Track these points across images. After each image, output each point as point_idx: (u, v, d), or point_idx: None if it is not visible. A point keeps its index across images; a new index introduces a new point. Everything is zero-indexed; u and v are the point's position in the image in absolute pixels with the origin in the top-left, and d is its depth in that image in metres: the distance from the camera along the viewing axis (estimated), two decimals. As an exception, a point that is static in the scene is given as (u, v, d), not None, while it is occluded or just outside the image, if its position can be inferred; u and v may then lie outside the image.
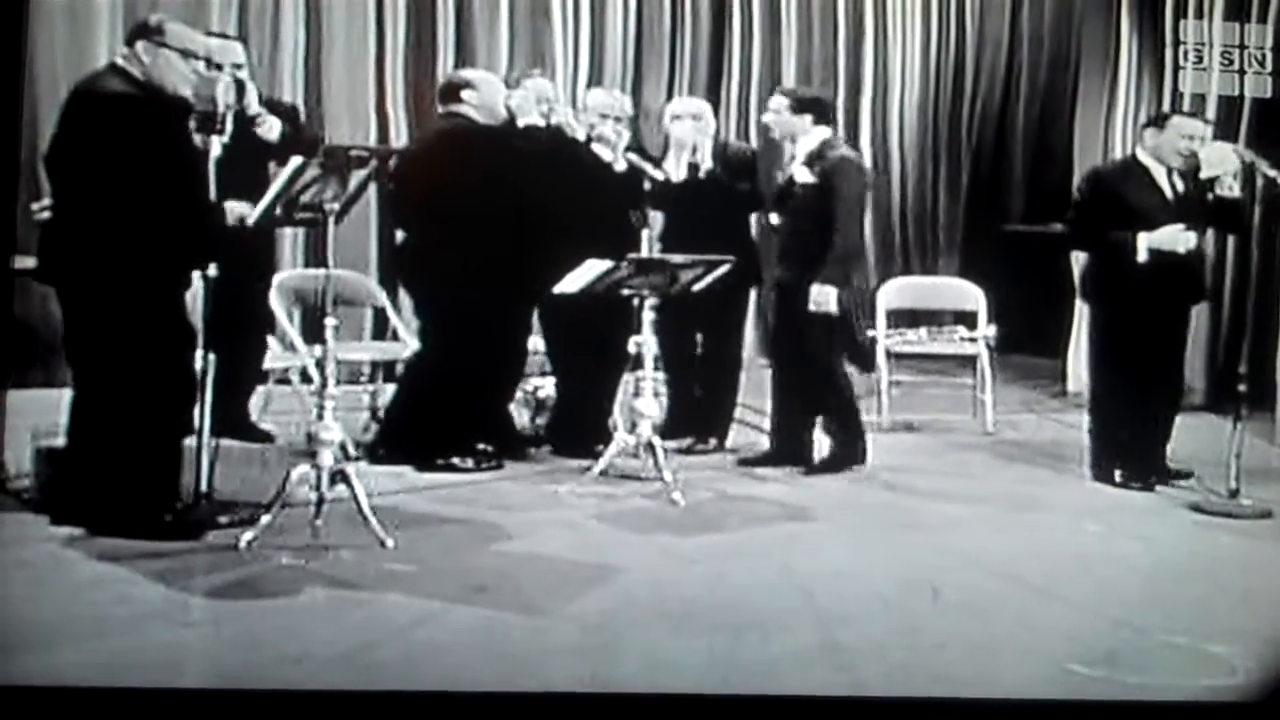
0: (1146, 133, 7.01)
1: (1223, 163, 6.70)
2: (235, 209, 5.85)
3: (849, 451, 7.04)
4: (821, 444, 7.09)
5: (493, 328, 6.79)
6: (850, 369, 7.16)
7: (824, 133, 7.04)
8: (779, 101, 7.13)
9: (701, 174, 7.22)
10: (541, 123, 7.00)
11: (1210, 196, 6.73)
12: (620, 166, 7.09)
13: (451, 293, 6.70)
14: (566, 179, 6.95)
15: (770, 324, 7.50)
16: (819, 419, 7.08)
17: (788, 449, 7.09)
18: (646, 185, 7.08)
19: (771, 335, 7.46)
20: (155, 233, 5.50)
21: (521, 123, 6.95)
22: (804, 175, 6.96)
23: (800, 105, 7.06)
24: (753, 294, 7.67)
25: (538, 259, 6.76)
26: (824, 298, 6.85)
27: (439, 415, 6.76)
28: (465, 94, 6.92)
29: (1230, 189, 6.70)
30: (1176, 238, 6.70)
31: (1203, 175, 6.70)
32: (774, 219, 7.14)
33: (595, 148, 7.10)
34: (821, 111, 7.11)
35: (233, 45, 6.72)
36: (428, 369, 6.86)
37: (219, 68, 6.18)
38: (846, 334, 7.04)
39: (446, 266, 6.69)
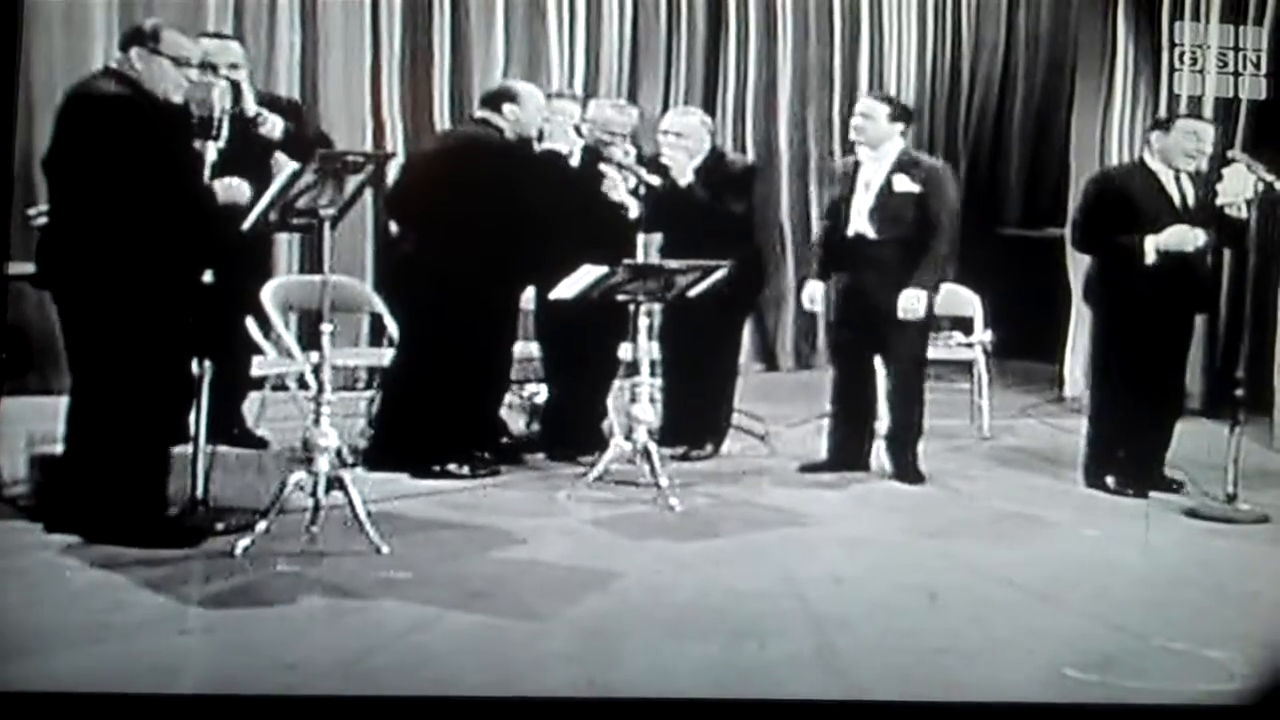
0: (1153, 136, 6.98)
1: (1241, 190, 6.67)
2: (226, 188, 5.79)
3: (905, 466, 7.03)
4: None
5: (484, 334, 6.78)
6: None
7: (903, 141, 7.00)
8: (875, 108, 7.02)
9: (681, 186, 7.16)
10: (566, 149, 7.01)
11: (1217, 207, 6.72)
12: (631, 184, 7.08)
13: (444, 298, 6.68)
14: (574, 201, 6.94)
15: (835, 330, 7.25)
16: (882, 427, 7.07)
17: (849, 455, 7.08)
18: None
19: (837, 341, 7.27)
20: (151, 236, 5.48)
21: (546, 145, 6.95)
22: (903, 184, 6.91)
23: (897, 113, 7.00)
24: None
25: (533, 267, 6.76)
26: (916, 302, 6.83)
27: (429, 422, 6.74)
28: (508, 107, 6.87)
29: (1239, 210, 6.69)
30: (1185, 237, 6.69)
31: (1219, 201, 6.68)
32: (860, 228, 6.93)
33: (603, 168, 7.08)
34: (909, 121, 7.08)
35: (230, 45, 6.70)
36: (415, 375, 6.83)
37: (215, 69, 6.17)
38: (923, 340, 7.08)
39: (443, 270, 6.67)
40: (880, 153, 6.96)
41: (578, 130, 7.19)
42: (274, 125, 6.56)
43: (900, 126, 6.99)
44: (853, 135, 7.08)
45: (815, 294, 7.18)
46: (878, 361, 7.05)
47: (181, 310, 5.64)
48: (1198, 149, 6.81)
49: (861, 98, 7.46)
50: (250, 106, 6.50)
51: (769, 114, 10.03)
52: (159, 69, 5.62)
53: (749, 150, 9.74)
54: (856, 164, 7.02)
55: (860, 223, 6.95)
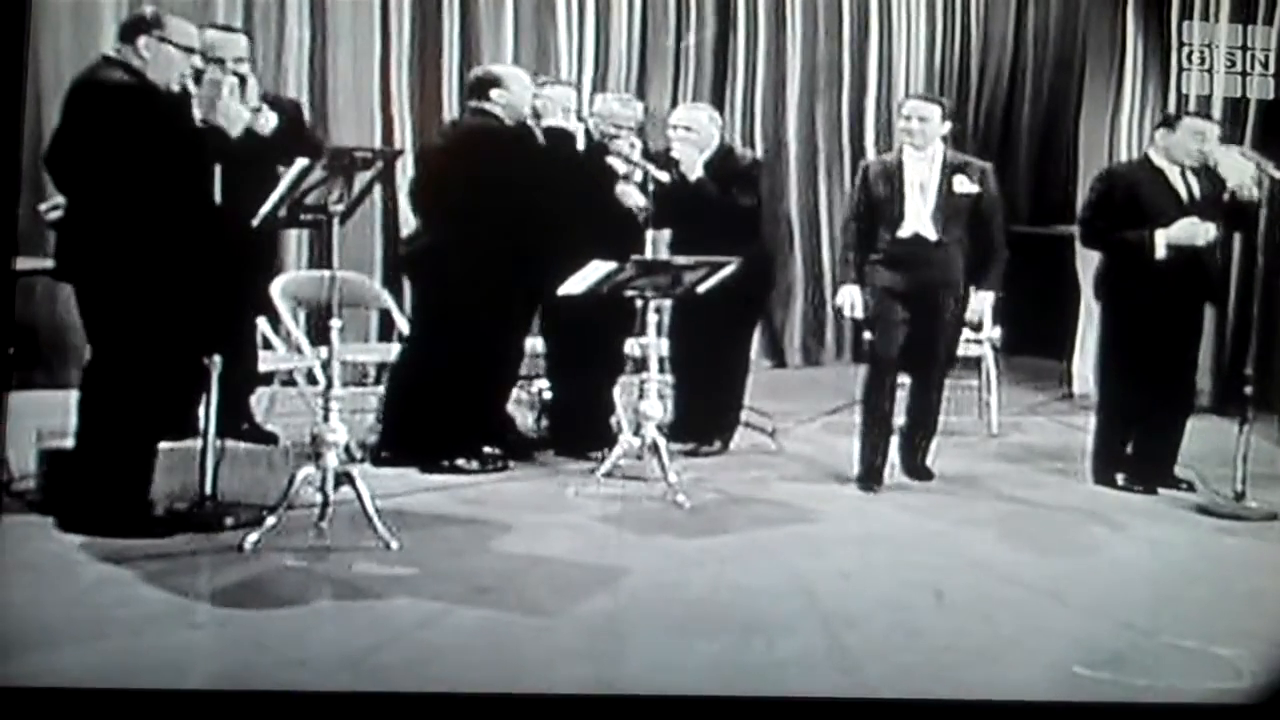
0: (1158, 134, 6.99)
1: (1241, 172, 6.68)
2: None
3: (915, 463, 7.01)
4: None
5: (496, 328, 6.78)
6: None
7: (943, 144, 6.97)
8: (930, 109, 6.96)
9: (691, 181, 7.15)
10: (564, 124, 7.00)
11: (1226, 197, 6.73)
12: (637, 178, 7.08)
13: (457, 291, 6.68)
14: (582, 188, 6.93)
15: (885, 332, 6.93)
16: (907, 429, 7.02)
17: (884, 461, 6.97)
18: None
19: (887, 343, 6.93)
20: (163, 225, 5.48)
21: (545, 123, 6.94)
22: (963, 184, 6.88)
23: (946, 114, 6.97)
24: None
25: (545, 261, 6.76)
26: (983, 304, 6.96)
27: (438, 417, 6.74)
28: (495, 92, 6.86)
29: (1249, 192, 6.69)
30: (1194, 230, 6.70)
31: (1229, 185, 6.69)
32: (919, 228, 6.85)
33: (610, 160, 7.07)
34: (952, 121, 7.05)
35: (237, 38, 6.67)
36: (424, 370, 6.82)
37: (221, 63, 6.16)
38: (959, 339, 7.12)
39: (456, 264, 6.67)
40: (928, 154, 6.91)
41: (577, 116, 7.18)
42: (266, 121, 6.54)
43: (947, 127, 6.98)
44: (903, 138, 6.97)
45: (855, 299, 6.94)
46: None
47: (193, 303, 5.64)
48: (1201, 148, 6.81)
49: (912, 100, 7.36)
50: (252, 100, 6.49)
51: (778, 110, 10.01)
52: (166, 56, 5.62)
53: (758, 146, 9.74)
54: (899, 164, 6.98)
55: (919, 224, 6.87)
